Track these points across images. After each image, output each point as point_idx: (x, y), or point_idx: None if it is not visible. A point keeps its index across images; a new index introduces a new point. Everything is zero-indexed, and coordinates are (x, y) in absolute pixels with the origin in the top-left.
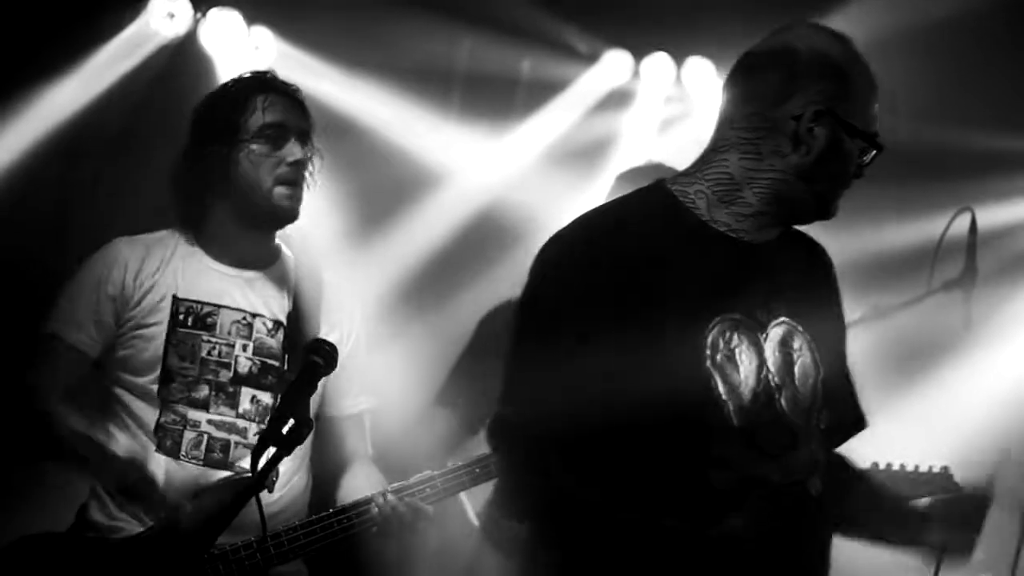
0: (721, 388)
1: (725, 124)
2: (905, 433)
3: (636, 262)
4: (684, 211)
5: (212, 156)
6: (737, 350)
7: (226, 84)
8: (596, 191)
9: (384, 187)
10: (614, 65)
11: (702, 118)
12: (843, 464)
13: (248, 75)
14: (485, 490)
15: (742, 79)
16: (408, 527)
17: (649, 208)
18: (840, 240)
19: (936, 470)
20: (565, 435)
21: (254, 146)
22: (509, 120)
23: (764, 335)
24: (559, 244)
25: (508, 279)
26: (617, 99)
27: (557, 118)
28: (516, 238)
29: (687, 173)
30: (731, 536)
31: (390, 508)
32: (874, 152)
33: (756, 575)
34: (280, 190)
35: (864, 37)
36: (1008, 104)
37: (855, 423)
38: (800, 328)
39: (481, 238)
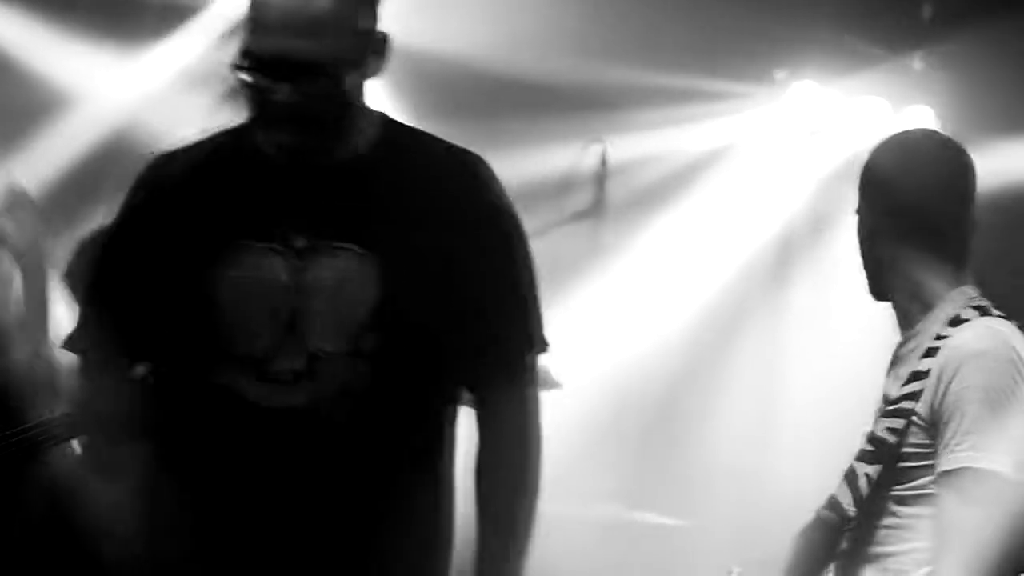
0: (232, 315)
1: None
2: None
3: (172, 189)
4: (250, 135)
5: None
6: (259, 277)
7: None
8: (229, 115)
9: (10, 109)
10: None
11: None
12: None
13: None
14: None
15: None
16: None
17: (228, 132)
18: None
19: None
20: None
21: None
22: (139, 43)
23: (301, 260)
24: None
25: None
26: None
27: (190, 42)
28: None
29: None
30: (236, 463)
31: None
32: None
33: (265, 505)
34: None
35: None
36: (641, 39)
37: (498, 347)
38: (359, 250)
39: (113, 161)
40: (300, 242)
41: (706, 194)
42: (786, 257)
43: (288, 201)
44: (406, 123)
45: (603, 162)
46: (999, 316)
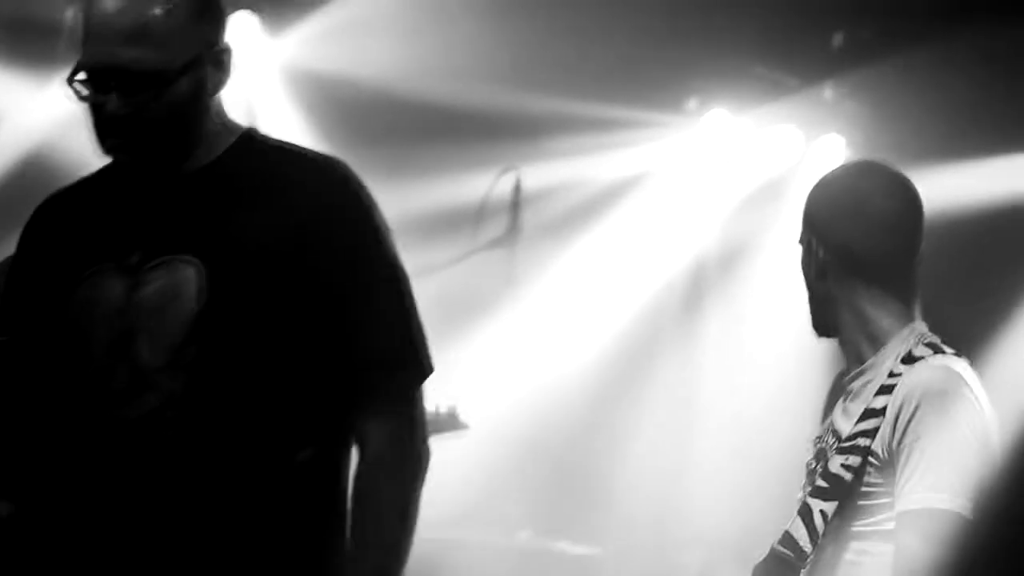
0: (78, 335)
1: None
2: (442, 389)
3: (59, 217)
4: None
5: None
6: (98, 296)
7: None
8: None
9: None
10: None
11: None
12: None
13: None
14: None
15: None
16: None
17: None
18: (383, 197)
19: (442, 411)
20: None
21: None
22: (54, 67)
23: (137, 276)
24: None
25: None
26: None
27: None
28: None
29: None
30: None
31: None
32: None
33: (107, 519)
34: None
35: None
36: (554, 68)
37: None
38: (192, 260)
39: (28, 185)
40: (135, 257)
41: (619, 222)
42: (699, 285)
43: (131, 217)
44: (270, 136)
45: (517, 190)
46: (952, 353)
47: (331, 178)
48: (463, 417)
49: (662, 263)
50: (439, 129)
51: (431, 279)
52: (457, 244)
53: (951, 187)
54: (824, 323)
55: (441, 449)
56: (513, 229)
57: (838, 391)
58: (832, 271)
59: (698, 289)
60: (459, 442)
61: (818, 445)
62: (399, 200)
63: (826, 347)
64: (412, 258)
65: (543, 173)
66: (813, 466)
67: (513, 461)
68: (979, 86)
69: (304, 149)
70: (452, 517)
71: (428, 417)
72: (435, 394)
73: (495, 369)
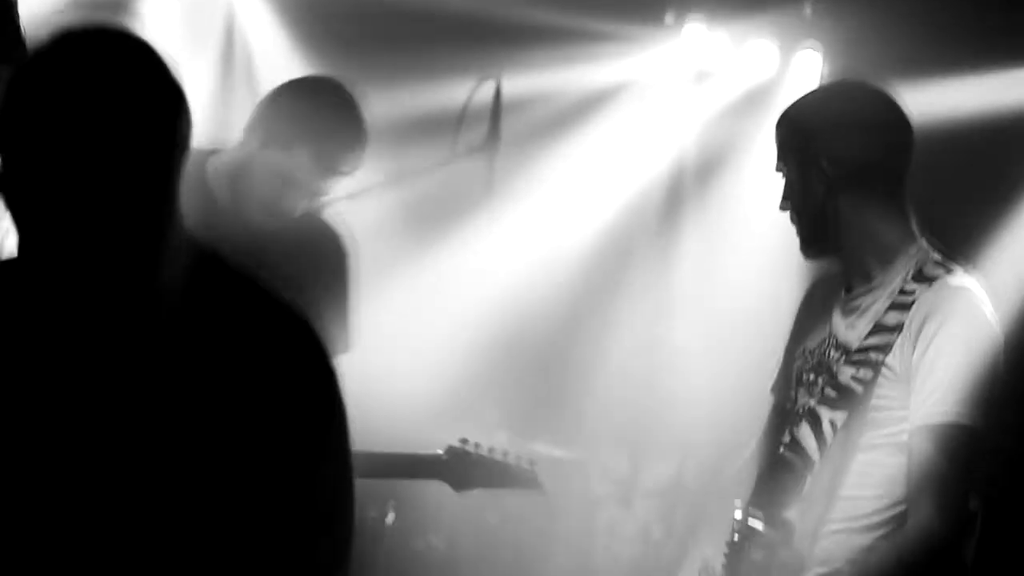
0: None
1: None
2: (423, 294)
3: None
4: None
5: None
6: None
7: None
8: None
9: None
10: None
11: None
12: None
13: None
14: None
15: None
16: None
17: None
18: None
19: (524, 465)
20: None
21: None
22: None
23: None
24: None
25: None
26: None
27: None
28: None
29: None
30: None
31: None
32: None
33: None
34: None
35: None
36: None
37: None
38: None
39: None
40: None
41: (597, 133)
42: (674, 196)
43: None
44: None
45: (498, 97)
46: (963, 270)
47: (281, 337)
48: (539, 478)
49: (639, 173)
50: (417, 35)
51: (410, 185)
52: (436, 150)
53: (926, 103)
54: (823, 241)
55: (420, 352)
56: (493, 136)
57: (817, 301)
58: (839, 186)
59: (675, 199)
60: (437, 346)
61: (813, 358)
62: (377, 106)
63: (799, 255)
64: (391, 164)
65: (522, 82)
66: (812, 377)
67: (491, 364)
68: (955, 3)
69: (263, 295)
70: (430, 418)
71: (506, 468)
72: (512, 443)
73: (473, 275)
